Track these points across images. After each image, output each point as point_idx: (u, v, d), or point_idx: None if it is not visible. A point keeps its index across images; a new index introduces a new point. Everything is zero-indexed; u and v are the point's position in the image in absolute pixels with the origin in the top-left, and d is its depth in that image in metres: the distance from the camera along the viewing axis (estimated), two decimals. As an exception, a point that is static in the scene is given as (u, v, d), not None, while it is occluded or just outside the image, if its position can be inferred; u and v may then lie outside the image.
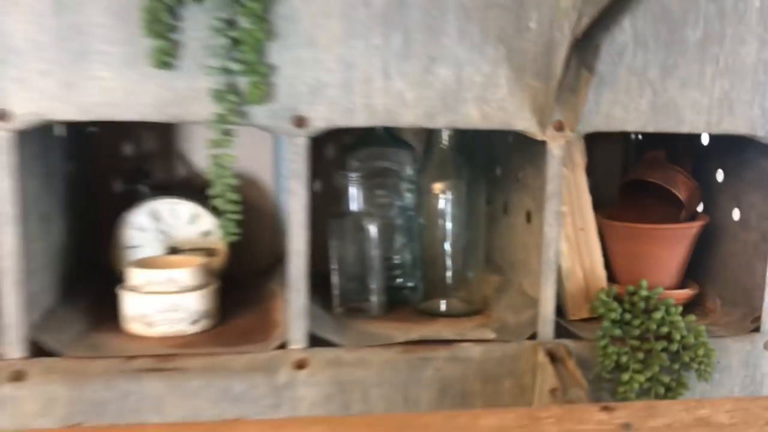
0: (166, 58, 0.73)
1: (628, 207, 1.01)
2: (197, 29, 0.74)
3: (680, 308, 0.88)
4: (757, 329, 0.91)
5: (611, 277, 0.96)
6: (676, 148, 1.01)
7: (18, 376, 0.77)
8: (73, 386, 0.78)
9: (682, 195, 0.95)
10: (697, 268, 1.02)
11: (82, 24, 0.73)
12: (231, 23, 0.74)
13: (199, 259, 0.91)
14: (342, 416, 0.79)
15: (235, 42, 0.74)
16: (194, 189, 1.05)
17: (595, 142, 0.99)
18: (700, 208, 1.02)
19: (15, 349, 0.77)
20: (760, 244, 0.92)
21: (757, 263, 0.92)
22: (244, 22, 0.74)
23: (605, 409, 0.72)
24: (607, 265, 0.96)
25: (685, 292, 0.96)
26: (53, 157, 0.89)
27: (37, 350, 0.78)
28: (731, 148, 0.97)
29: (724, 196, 1.00)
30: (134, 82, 0.74)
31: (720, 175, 1.01)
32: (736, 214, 0.97)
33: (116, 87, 0.74)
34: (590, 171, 0.95)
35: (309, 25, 0.76)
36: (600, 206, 0.96)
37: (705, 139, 1.03)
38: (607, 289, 0.90)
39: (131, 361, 0.79)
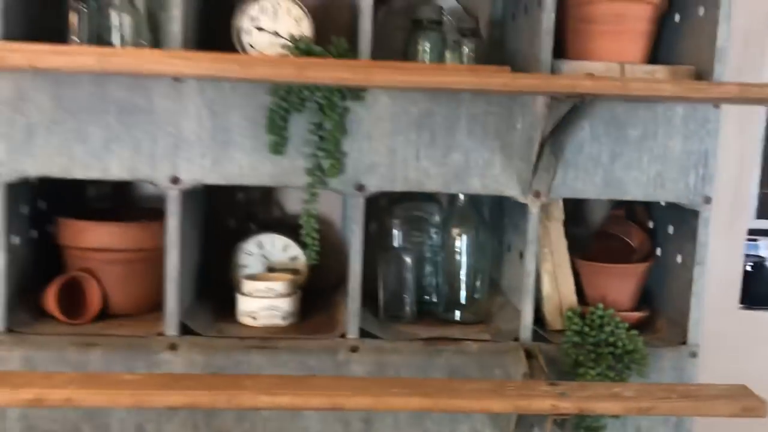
0: (279, 147, 1.15)
1: (599, 249, 1.37)
2: (298, 129, 1.16)
3: (626, 324, 1.24)
4: (684, 342, 1.26)
5: (583, 300, 1.32)
6: (635, 208, 1.37)
7: (173, 347, 1.19)
8: (207, 355, 1.20)
9: (634, 243, 1.32)
10: (653, 296, 1.37)
11: (228, 125, 1.16)
12: (319, 126, 1.15)
13: (288, 276, 1.33)
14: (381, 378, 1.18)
15: (321, 138, 1.15)
16: (286, 227, 1.46)
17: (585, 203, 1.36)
18: (659, 251, 1.37)
19: (171, 329, 1.20)
20: (689, 282, 1.26)
21: (689, 295, 1.27)
22: (328, 125, 1.15)
23: (551, 384, 1.09)
24: (581, 291, 1.32)
25: (636, 314, 1.31)
26: (198, 206, 1.32)
27: (184, 330, 1.20)
28: (678, 210, 1.32)
29: (673, 244, 1.35)
30: (258, 162, 1.17)
31: (671, 229, 1.36)
32: (679, 258, 1.32)
33: (246, 164, 1.17)
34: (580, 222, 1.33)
35: (368, 126, 1.17)
36: (582, 248, 1.33)
37: (662, 203, 1.39)
38: (574, 309, 1.27)
39: (243, 341, 1.21)
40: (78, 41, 1.20)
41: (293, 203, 1.53)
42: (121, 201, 1.51)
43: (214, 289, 1.39)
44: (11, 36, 1.12)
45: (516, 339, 1.24)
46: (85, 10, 1.21)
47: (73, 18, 1.20)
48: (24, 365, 1.16)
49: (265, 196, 1.53)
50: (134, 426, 1.20)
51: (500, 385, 1.08)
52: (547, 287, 1.29)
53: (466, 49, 1.30)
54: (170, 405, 1.00)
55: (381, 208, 1.46)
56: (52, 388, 0.97)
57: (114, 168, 1.16)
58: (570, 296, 1.30)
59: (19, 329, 1.18)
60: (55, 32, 1.23)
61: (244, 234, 1.41)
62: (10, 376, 1.03)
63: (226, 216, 1.52)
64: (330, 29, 1.34)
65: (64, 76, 1.12)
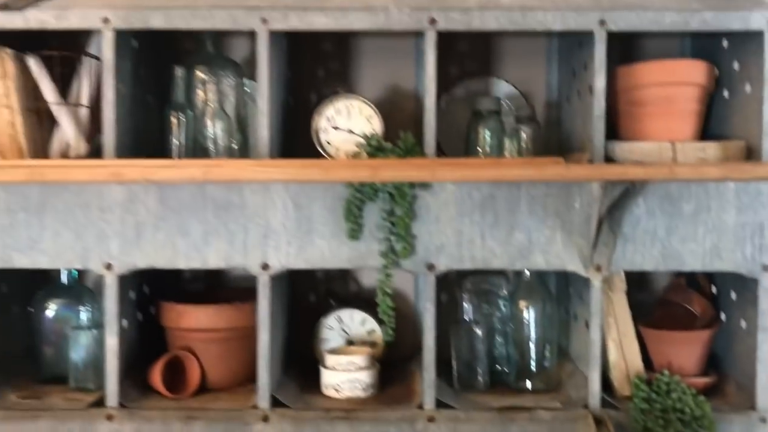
0: (355, 233, 1.27)
1: (662, 317, 1.43)
2: (372, 216, 1.29)
3: (693, 390, 1.28)
4: (753, 408, 1.29)
5: (650, 367, 1.37)
6: (697, 275, 1.42)
7: (265, 419, 1.31)
8: (296, 426, 1.30)
9: (696, 310, 1.37)
10: (721, 361, 1.41)
11: (310, 215, 1.29)
12: (391, 212, 1.27)
13: (368, 350, 1.43)
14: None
15: (393, 223, 1.27)
16: (363, 301, 1.57)
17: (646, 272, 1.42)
18: (723, 317, 1.41)
19: (264, 402, 1.31)
20: (754, 347, 1.30)
21: (755, 360, 1.30)
22: (399, 211, 1.27)
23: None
24: (647, 358, 1.38)
25: (703, 380, 1.35)
26: (284, 287, 1.45)
27: (275, 402, 1.32)
28: (738, 277, 1.37)
29: (736, 310, 1.39)
30: (337, 246, 1.29)
31: (733, 295, 1.40)
32: (743, 323, 1.36)
33: (327, 249, 1.29)
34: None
35: (436, 210, 1.29)
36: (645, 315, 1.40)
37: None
38: (640, 376, 1.32)
39: (329, 412, 1.31)
40: (178, 143, 1.37)
41: (369, 279, 1.64)
42: (213, 283, 1.65)
43: (298, 362, 1.50)
44: (121, 145, 1.30)
45: (585, 406, 1.30)
46: (183, 118, 1.38)
47: (174, 125, 1.37)
48: (134, 437, 1.29)
49: (343, 273, 1.65)
50: (231, 493, 1.30)
51: (570, 452, 1.15)
52: (613, 355, 1.35)
53: (524, 135, 1.41)
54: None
55: (451, 282, 1.55)
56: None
57: (212, 258, 1.30)
58: (636, 363, 1.36)
59: (129, 404, 1.32)
60: (157, 136, 1.41)
61: (325, 309, 1.53)
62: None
63: (307, 292, 1.64)
64: (397, 119, 1.48)
65: (168, 179, 1.28)
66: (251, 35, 1.31)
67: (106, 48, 1.27)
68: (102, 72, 1.44)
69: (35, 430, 1.29)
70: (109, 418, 1.30)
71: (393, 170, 1.07)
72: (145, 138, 1.42)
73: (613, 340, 1.36)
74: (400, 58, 1.61)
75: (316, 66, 1.63)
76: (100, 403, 1.31)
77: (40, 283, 1.62)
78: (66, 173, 1.08)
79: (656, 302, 1.47)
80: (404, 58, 1.61)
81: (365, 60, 1.63)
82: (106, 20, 1.27)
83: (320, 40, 1.62)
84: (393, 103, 1.58)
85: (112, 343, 1.30)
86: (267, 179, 1.15)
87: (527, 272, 1.41)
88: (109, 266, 1.29)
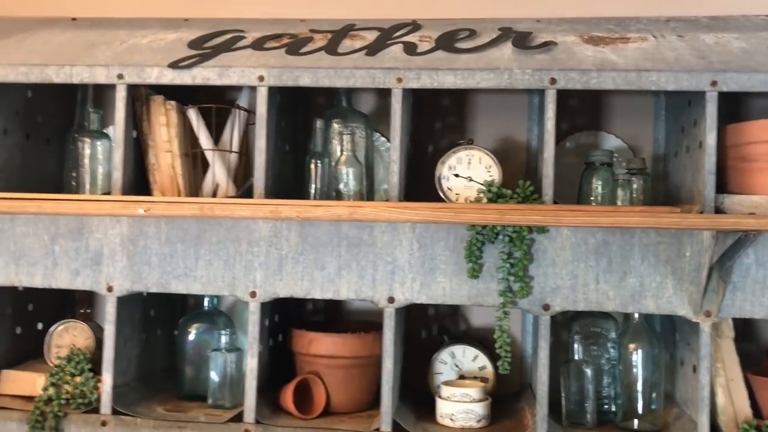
0: (475, 272, 1.38)
1: (771, 366, 1.47)
2: (491, 257, 1.39)
3: (803, 438, 1.31)
4: None
5: (758, 414, 1.41)
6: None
7: (386, 442, 1.41)
8: (414, 450, 1.40)
9: (805, 361, 1.40)
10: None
11: (433, 254, 1.41)
12: (509, 254, 1.38)
13: (480, 383, 1.52)
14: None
15: (511, 264, 1.37)
16: (472, 340, 1.67)
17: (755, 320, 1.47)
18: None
19: (386, 425, 1.42)
20: None
21: None
22: (517, 254, 1.38)
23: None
24: (755, 405, 1.41)
25: (813, 429, 1.38)
26: (402, 321, 1.56)
27: (395, 427, 1.42)
28: None
29: None
30: (457, 284, 1.40)
31: (844, 348, 1.43)
32: None
33: (448, 286, 1.41)
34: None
35: (552, 254, 1.38)
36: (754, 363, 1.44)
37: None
38: (749, 422, 1.36)
39: (445, 440, 1.41)
40: (315, 187, 1.52)
41: (478, 318, 1.74)
42: (331, 315, 1.79)
43: (411, 393, 1.61)
44: (271, 188, 1.46)
45: (694, 448, 1.35)
46: (320, 165, 1.54)
47: (312, 170, 1.53)
48: (268, 451, 1.42)
49: (454, 311, 1.76)
50: None
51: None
52: (721, 400, 1.40)
53: (635, 185, 1.50)
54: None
55: (558, 324, 1.63)
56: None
57: (344, 290, 1.43)
58: (745, 409, 1.40)
59: (263, 421, 1.45)
60: (292, 180, 1.57)
61: (436, 346, 1.63)
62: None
63: (420, 329, 1.75)
64: (508, 168, 1.59)
65: (308, 218, 1.43)
66: (380, 91, 1.46)
67: (260, 103, 1.45)
68: (246, 121, 1.63)
69: (181, 440, 1.44)
70: (247, 432, 1.43)
71: (519, 214, 1.18)
72: (283, 181, 1.58)
73: (722, 385, 1.41)
74: (513, 111, 1.74)
75: (434, 119, 1.77)
76: (238, 418, 1.45)
77: (179, 309, 1.80)
78: (232, 210, 1.25)
79: (765, 351, 1.51)
80: (517, 112, 1.74)
81: (480, 113, 1.76)
82: (261, 78, 1.45)
83: (439, 96, 1.76)
84: (505, 153, 1.70)
85: (252, 364, 1.44)
86: (403, 220, 1.29)
87: (636, 316, 1.48)
88: (253, 294, 1.45)
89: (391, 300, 1.42)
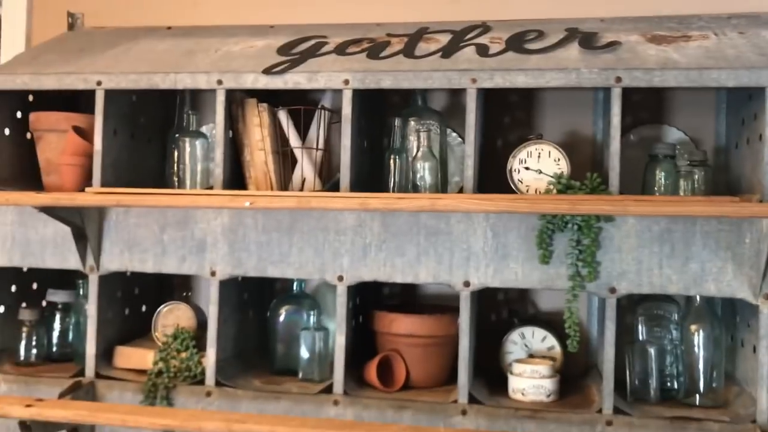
0: (546, 258, 1.50)
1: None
2: (560, 244, 1.51)
3: None
4: None
5: (817, 393, 1.49)
6: None
7: (464, 412, 1.54)
8: (490, 420, 1.53)
9: None
10: None
11: (506, 242, 1.53)
12: (578, 242, 1.49)
13: (549, 362, 1.64)
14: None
15: (580, 251, 1.49)
16: (541, 322, 1.78)
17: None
18: None
19: (463, 398, 1.55)
20: None
21: None
22: (585, 241, 1.49)
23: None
24: (814, 385, 1.49)
25: None
26: (476, 305, 1.69)
27: (471, 400, 1.55)
28: None
29: None
30: (529, 270, 1.52)
31: None
32: None
33: (520, 272, 1.53)
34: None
35: (618, 241, 1.49)
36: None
37: None
38: (808, 398, 1.44)
39: (517, 411, 1.53)
40: (394, 180, 1.66)
41: (545, 302, 1.86)
42: (406, 298, 1.93)
43: (483, 372, 1.73)
44: (354, 182, 1.60)
45: (753, 422, 1.44)
46: (399, 160, 1.67)
47: (392, 166, 1.66)
48: (355, 419, 1.57)
49: (522, 295, 1.87)
50: (434, 474, 1.55)
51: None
52: (780, 378, 1.48)
53: (696, 176, 1.59)
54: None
55: (623, 308, 1.73)
56: (392, 434, 1.35)
57: (422, 274, 1.57)
58: (803, 387, 1.48)
59: (350, 392, 1.60)
60: (369, 174, 1.71)
61: (505, 328, 1.75)
62: (378, 427, 1.43)
63: (490, 313, 1.88)
64: (575, 160, 1.68)
65: (390, 209, 1.57)
66: (452, 89, 1.58)
67: (345, 104, 1.59)
68: (329, 121, 1.78)
69: (277, 409, 1.60)
70: (336, 403, 1.58)
71: (590, 204, 1.29)
72: (363, 176, 1.72)
73: (781, 364, 1.49)
74: (579, 106, 1.84)
75: (503, 114, 1.89)
76: (327, 390, 1.61)
77: (267, 293, 1.96)
78: (326, 202, 1.39)
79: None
80: (582, 107, 1.84)
81: (547, 108, 1.87)
82: (346, 81, 1.59)
83: (508, 92, 1.87)
84: (571, 146, 1.80)
85: (340, 341, 1.59)
86: (481, 210, 1.41)
87: (698, 299, 1.57)
88: (341, 278, 1.59)
89: (466, 284, 1.55)
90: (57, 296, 1.87)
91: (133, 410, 1.47)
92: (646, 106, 1.82)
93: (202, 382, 1.65)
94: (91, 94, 1.69)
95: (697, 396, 1.56)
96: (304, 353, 1.70)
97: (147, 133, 1.90)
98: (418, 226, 1.57)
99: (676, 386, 1.61)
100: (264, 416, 1.48)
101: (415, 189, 1.65)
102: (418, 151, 1.66)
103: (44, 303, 1.90)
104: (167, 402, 1.63)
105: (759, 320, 1.44)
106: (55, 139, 1.75)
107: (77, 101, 1.93)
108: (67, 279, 1.89)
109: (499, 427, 1.52)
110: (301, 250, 1.61)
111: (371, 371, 1.63)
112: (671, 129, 1.81)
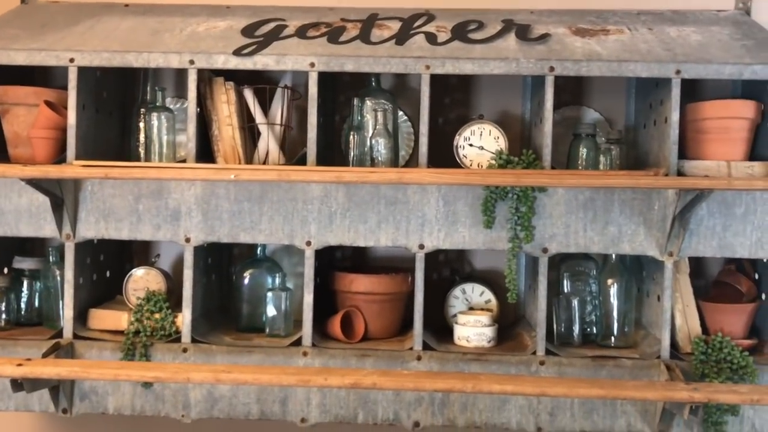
0: (490, 223, 1.73)
1: (716, 294, 1.86)
2: (501, 212, 1.74)
3: (739, 348, 1.71)
4: (785, 362, 1.72)
5: (706, 332, 1.81)
6: (744, 263, 1.86)
7: (419, 358, 1.76)
8: (441, 364, 1.76)
9: (743, 289, 1.80)
10: (761, 329, 1.83)
11: (455, 209, 1.75)
12: (517, 209, 1.73)
13: (488, 313, 1.89)
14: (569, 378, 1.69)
15: (519, 217, 1.73)
16: (478, 278, 2.03)
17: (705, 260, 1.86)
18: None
19: (418, 345, 1.77)
20: (787, 316, 1.74)
21: (787, 327, 1.74)
22: (523, 208, 1.73)
23: (687, 383, 1.59)
24: (704, 325, 1.81)
25: (747, 342, 1.78)
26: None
27: (424, 347, 1.77)
28: (775, 265, 1.80)
29: (774, 291, 1.82)
30: (475, 233, 1.75)
31: (772, 279, 1.83)
32: (779, 301, 1.79)
33: (468, 235, 1.75)
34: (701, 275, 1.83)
35: (550, 209, 1.74)
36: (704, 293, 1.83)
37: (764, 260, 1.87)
38: (700, 337, 1.76)
39: (464, 356, 1.77)
40: (353, 155, 1.84)
41: (479, 261, 2.10)
42: (357, 261, 2.12)
43: (429, 324, 1.96)
44: (320, 152, 1.77)
45: (658, 357, 1.74)
46: (357, 136, 1.85)
47: (351, 141, 1.84)
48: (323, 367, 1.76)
49: (460, 256, 2.11)
50: (392, 412, 1.77)
51: (652, 383, 1.59)
52: (679, 321, 1.79)
53: (613, 152, 1.86)
54: (437, 389, 1.55)
55: (555, 262, 2.00)
56: (364, 377, 1.55)
57: (383, 239, 1.77)
58: (696, 328, 1.79)
59: (317, 344, 1.79)
60: (336, 147, 1.88)
61: (451, 284, 1.98)
62: (348, 372, 1.62)
63: (432, 272, 2.10)
64: (507, 137, 1.91)
65: (353, 180, 1.75)
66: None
67: (311, 85, 1.75)
68: (291, 98, 1.93)
69: (250, 362, 1.77)
70: (305, 354, 1.77)
71: (532, 178, 1.53)
72: (327, 150, 1.89)
73: (679, 310, 1.80)
74: (509, 89, 2.07)
75: (444, 95, 2.10)
76: (296, 343, 1.79)
77: (226, 257, 2.11)
78: (305, 175, 1.56)
79: (712, 283, 1.91)
80: (512, 90, 2.07)
81: (482, 90, 2.09)
82: (312, 64, 1.75)
83: (449, 76, 2.07)
84: (503, 125, 2.01)
85: (308, 299, 1.78)
86: (443, 183, 1.62)
87: (613, 257, 1.85)
88: (308, 243, 1.77)
89: (421, 246, 1.76)
90: (25, 263, 1.94)
91: (124, 365, 1.60)
92: (568, 89, 2.08)
93: (177, 340, 1.79)
94: (48, 68, 1.76)
95: (612, 338, 1.85)
96: (271, 311, 1.87)
97: (109, 107, 1.98)
98: (378, 196, 1.76)
99: (595, 331, 1.89)
100: (247, 366, 1.64)
101: (372, 163, 1.84)
102: (375, 128, 1.85)
103: (5, 270, 1.96)
104: (146, 359, 1.76)
105: (664, 274, 1.73)
106: (23, 113, 1.82)
107: (32, 74, 1.99)
108: (28, 248, 1.97)
109: (450, 368, 1.76)
110: (271, 218, 1.77)
111: (335, 325, 1.82)
112: (589, 110, 2.08)
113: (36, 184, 1.64)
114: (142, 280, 1.91)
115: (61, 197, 1.73)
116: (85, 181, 1.77)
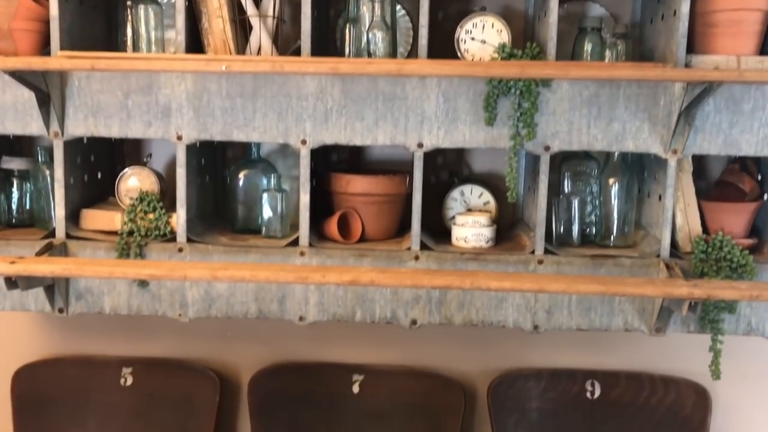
0: (491, 121, 1.68)
1: (719, 193, 1.83)
2: (503, 108, 1.69)
3: (739, 247, 1.70)
4: (784, 260, 1.72)
5: (707, 231, 1.79)
6: (747, 162, 1.82)
7: (416, 257, 1.75)
8: (439, 263, 1.75)
9: (746, 188, 1.77)
10: (762, 229, 1.82)
11: (456, 106, 1.70)
12: (519, 105, 1.68)
13: (486, 214, 1.86)
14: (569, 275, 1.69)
15: (521, 114, 1.68)
16: (477, 180, 2.00)
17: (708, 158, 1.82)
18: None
19: (415, 245, 1.75)
20: (789, 215, 1.72)
21: (789, 226, 1.72)
22: (525, 105, 1.67)
23: (686, 280, 1.58)
24: (705, 225, 1.79)
25: (747, 241, 1.77)
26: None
27: (422, 247, 1.76)
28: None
29: (777, 191, 1.80)
30: (476, 131, 1.70)
31: (776, 179, 1.81)
32: (781, 200, 1.77)
33: (468, 133, 1.70)
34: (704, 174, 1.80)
35: (553, 105, 1.69)
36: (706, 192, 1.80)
37: (768, 159, 1.84)
38: (700, 236, 1.74)
39: (462, 255, 1.75)
40: (349, 49, 1.77)
41: (478, 163, 2.06)
42: (353, 164, 2.08)
43: (427, 226, 1.94)
44: (314, 48, 1.70)
45: (657, 256, 1.73)
46: (353, 29, 1.77)
47: (347, 34, 1.77)
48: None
49: (458, 158, 2.07)
50: (390, 311, 1.77)
51: (652, 280, 1.58)
52: (680, 220, 1.77)
53: (619, 47, 1.79)
54: (435, 285, 1.54)
55: (557, 162, 1.96)
56: (362, 274, 1.54)
57: (380, 137, 1.72)
58: (697, 227, 1.78)
59: (315, 245, 1.77)
60: (331, 44, 1.80)
61: (449, 186, 1.95)
62: (346, 269, 1.60)
63: (434, 173, 2.07)
64: (511, 32, 1.84)
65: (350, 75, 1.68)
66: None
67: (306, -27, 1.66)
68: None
69: (247, 260, 1.75)
70: (302, 254, 1.75)
71: (537, 69, 1.47)
72: (321, 45, 1.82)
73: (680, 209, 1.77)
74: (513, -17, 1.98)
75: (444, -12, 2.01)
76: (293, 243, 1.77)
77: (223, 159, 2.06)
78: (299, 66, 1.49)
79: (714, 183, 1.88)
80: (516, -17, 1.98)
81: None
82: (306, -49, 1.65)
83: (449, -33, 1.98)
84: (505, 19, 1.95)
85: (305, 199, 1.74)
86: (444, 74, 1.56)
87: (615, 156, 1.81)
88: (304, 141, 1.72)
89: (420, 145, 1.72)
90: (13, 163, 1.89)
91: (119, 263, 1.57)
92: (574, -18, 1.99)
93: (172, 240, 1.77)
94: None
95: (612, 238, 1.83)
96: (267, 212, 1.84)
97: (93, 0, 1.89)
98: (376, 92, 1.70)
99: (594, 232, 1.87)
100: (244, 264, 1.63)
101: (370, 57, 1.77)
102: (372, 21, 1.77)
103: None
104: (142, 258, 1.74)
105: (667, 172, 1.70)
106: (3, 4, 1.73)
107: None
108: (16, 148, 1.92)
109: (447, 268, 1.75)
110: (265, 115, 1.72)
111: (332, 226, 1.80)
112: (594, 5, 1.99)
113: (19, 77, 1.58)
114: (133, 180, 1.87)
115: (47, 92, 1.66)
116: (72, 76, 1.70)
